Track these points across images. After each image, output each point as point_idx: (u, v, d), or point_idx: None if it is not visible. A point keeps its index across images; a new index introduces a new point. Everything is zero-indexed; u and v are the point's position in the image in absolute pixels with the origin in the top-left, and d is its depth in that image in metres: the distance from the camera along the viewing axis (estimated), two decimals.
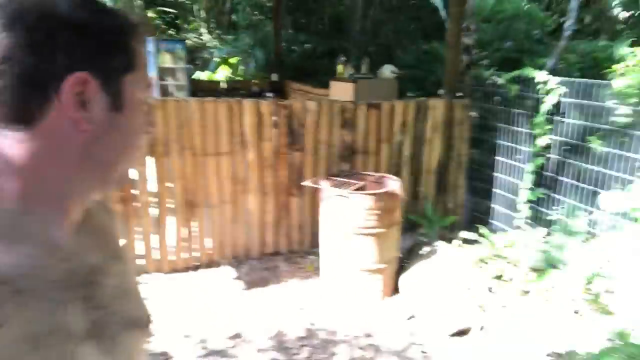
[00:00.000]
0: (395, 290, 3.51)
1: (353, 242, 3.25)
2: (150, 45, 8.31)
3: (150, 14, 13.10)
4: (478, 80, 4.76)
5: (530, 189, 4.14)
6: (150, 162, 3.52)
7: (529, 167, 4.13)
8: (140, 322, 0.72)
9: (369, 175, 3.68)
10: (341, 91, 4.95)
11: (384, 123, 4.13)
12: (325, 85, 8.29)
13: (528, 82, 4.17)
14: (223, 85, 8.90)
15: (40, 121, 0.56)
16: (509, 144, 4.40)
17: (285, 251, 4.09)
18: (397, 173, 4.24)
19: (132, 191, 3.51)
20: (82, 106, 0.57)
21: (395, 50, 11.38)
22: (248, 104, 3.71)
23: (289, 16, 12.37)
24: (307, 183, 3.39)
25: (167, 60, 8.27)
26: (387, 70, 5.18)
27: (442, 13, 6.93)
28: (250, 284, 3.59)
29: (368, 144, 4.12)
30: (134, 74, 0.63)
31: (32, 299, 0.54)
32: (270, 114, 3.75)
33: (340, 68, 5.46)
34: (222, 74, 9.66)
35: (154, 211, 3.65)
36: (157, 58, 8.13)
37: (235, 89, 8.88)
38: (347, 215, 3.22)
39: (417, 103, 4.29)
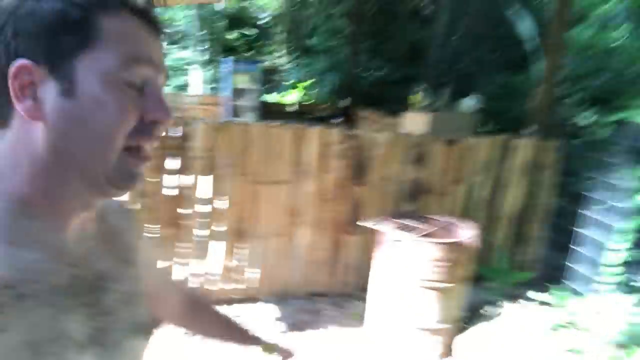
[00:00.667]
0: (449, 351, 3.08)
1: (411, 295, 2.89)
2: (228, 66, 8.43)
3: (232, 35, 13.48)
4: (565, 119, 4.28)
5: (622, 250, 3.58)
6: (204, 184, 3.36)
7: (626, 225, 3.58)
8: (144, 327, 0.70)
9: (438, 219, 3.31)
10: (415, 122, 4.63)
11: (461, 161, 3.75)
12: (397, 114, 8.01)
13: (626, 127, 3.65)
14: (292, 108, 8.84)
15: (11, 119, 0.57)
16: (600, 195, 3.86)
17: (335, 293, 3.77)
18: (469, 218, 3.83)
19: (180, 211, 3.36)
20: (32, 96, 0.55)
21: (475, 81, 10.90)
22: (314, 131, 3.49)
23: (366, 41, 12.25)
24: (365, 223, 3.09)
25: (241, 81, 8.33)
26: (469, 103, 4.80)
27: (529, 44, 6.45)
28: (291, 326, 3.30)
29: (440, 183, 3.76)
30: (92, 53, 0.56)
31: (35, 305, 0.53)
32: (337, 144, 3.49)
33: (417, 97, 5.14)
34: (292, 97, 9.63)
35: (199, 236, 3.48)
36: (233, 79, 8.22)
37: (304, 113, 8.79)
38: (408, 264, 2.87)
39: (503, 141, 3.88)
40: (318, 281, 3.72)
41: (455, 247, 2.85)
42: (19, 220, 0.57)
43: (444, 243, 2.83)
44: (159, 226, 3.27)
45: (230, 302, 3.52)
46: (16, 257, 0.54)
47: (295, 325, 3.31)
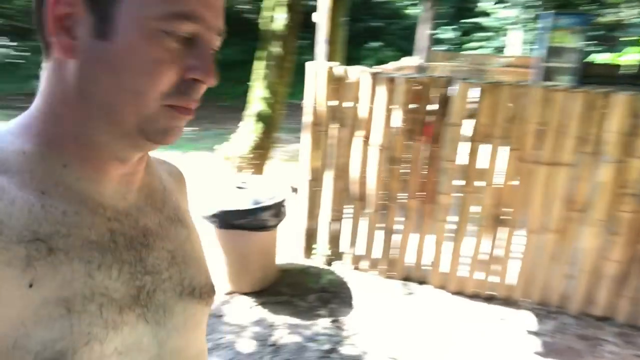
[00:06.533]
0: None
1: None
2: (548, 21, 7.26)
3: None
4: None
5: None
6: (462, 156, 2.88)
7: None
8: (200, 291, 0.63)
9: None
10: None
11: None
12: None
13: None
14: (625, 70, 7.01)
15: (51, 50, 0.52)
16: None
17: (622, 322, 2.76)
18: None
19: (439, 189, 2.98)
20: (67, 31, 0.50)
21: None
22: (621, 98, 2.53)
23: None
24: None
25: (560, 39, 7.06)
26: None
27: None
28: (552, 350, 2.56)
29: None
30: None
31: (68, 260, 0.49)
32: None
33: None
34: (631, 57, 7.64)
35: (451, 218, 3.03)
36: (550, 36, 7.04)
37: None
38: None
39: None
40: (600, 300, 2.79)
41: None
42: (54, 166, 0.52)
43: None
44: (406, 195, 3.00)
45: (488, 299, 2.99)
46: (48, 208, 0.50)
47: (561, 352, 2.56)
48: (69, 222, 0.51)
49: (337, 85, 2.93)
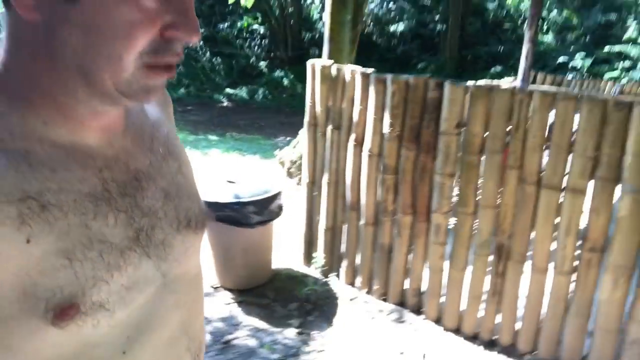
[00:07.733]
0: None
1: None
2: None
3: None
4: None
5: None
6: (453, 169, 2.52)
7: None
8: (195, 222, 0.65)
9: None
10: None
11: None
12: None
13: None
14: None
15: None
16: None
17: None
18: None
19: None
20: None
21: None
22: None
23: None
24: None
25: None
26: None
27: None
28: None
29: None
30: None
31: (62, 215, 0.49)
32: None
33: None
34: None
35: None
36: None
37: None
38: None
39: None
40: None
41: None
42: (34, 125, 0.51)
43: None
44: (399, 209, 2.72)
45: (488, 344, 2.56)
46: (36, 166, 0.49)
47: None
48: (59, 177, 0.50)
49: (332, 84, 2.79)
